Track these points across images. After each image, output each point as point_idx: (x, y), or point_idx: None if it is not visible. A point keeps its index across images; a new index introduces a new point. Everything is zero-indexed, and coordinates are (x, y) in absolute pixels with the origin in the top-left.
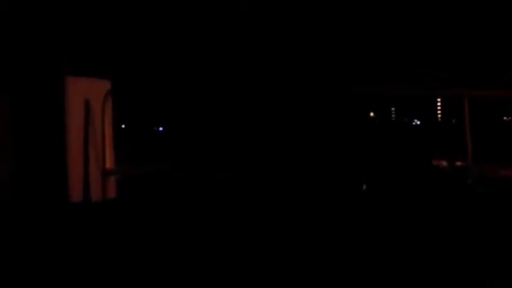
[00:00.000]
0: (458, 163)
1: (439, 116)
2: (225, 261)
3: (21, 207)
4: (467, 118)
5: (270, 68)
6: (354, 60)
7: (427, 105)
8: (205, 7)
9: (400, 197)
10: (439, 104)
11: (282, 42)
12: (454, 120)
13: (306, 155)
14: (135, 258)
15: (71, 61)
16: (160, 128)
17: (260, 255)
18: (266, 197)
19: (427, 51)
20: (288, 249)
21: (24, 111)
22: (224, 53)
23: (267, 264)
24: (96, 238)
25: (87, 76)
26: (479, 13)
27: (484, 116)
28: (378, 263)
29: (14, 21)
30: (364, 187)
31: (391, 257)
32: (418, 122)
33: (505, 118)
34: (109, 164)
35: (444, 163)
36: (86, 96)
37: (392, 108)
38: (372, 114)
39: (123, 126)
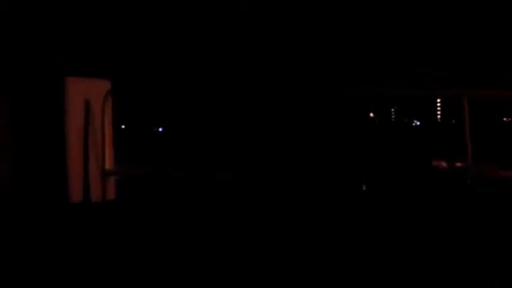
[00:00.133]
0: (458, 164)
1: (439, 116)
2: (224, 262)
3: (20, 207)
4: (467, 119)
5: (270, 68)
6: (353, 60)
7: (426, 106)
8: (205, 7)
9: (399, 197)
10: (438, 104)
11: (282, 42)
12: (453, 121)
13: (304, 156)
14: (134, 259)
15: (71, 61)
16: (160, 129)
17: (259, 257)
18: (267, 198)
19: (427, 51)
20: (288, 250)
21: (24, 111)
22: (224, 53)
23: (266, 265)
24: (96, 239)
25: (87, 76)
26: (479, 13)
27: (483, 117)
28: (378, 264)
29: (14, 21)
30: (364, 188)
31: (391, 258)
32: (418, 123)
33: (504, 119)
34: (109, 164)
35: (444, 164)
36: (86, 97)
37: (392, 109)
38: (371, 114)
39: (123, 126)
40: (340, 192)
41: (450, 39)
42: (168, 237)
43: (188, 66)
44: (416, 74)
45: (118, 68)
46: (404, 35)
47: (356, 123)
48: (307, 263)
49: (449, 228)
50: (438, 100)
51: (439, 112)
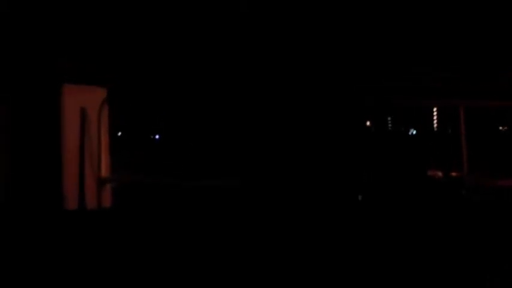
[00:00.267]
0: (454, 173)
1: (435, 125)
2: (219, 271)
3: (16, 214)
4: (463, 128)
5: (269, 71)
6: (354, 60)
7: (423, 115)
8: (204, 11)
9: (395, 207)
10: (435, 113)
11: (281, 43)
12: (450, 130)
13: (300, 164)
14: (130, 266)
15: (68, 69)
16: (157, 136)
17: (259, 265)
18: (268, 204)
19: (427, 51)
20: (291, 259)
21: (21, 118)
22: (224, 56)
23: (265, 271)
24: (91, 246)
25: (83, 84)
26: (479, 13)
27: (480, 126)
28: (376, 272)
29: (11, 30)
30: (360, 197)
31: (388, 266)
32: (414, 132)
33: (500, 128)
34: (105, 171)
35: (439, 173)
36: (82, 104)
37: (389, 118)
38: (367, 123)
39: (119, 134)
40: (336, 202)
41: (450, 39)
42: (164, 245)
43: (187, 69)
44: (417, 74)
45: (114, 76)
46: (405, 35)
47: (353, 132)
48: (305, 273)
49: (445, 237)
50: (434, 109)
51: (435, 121)
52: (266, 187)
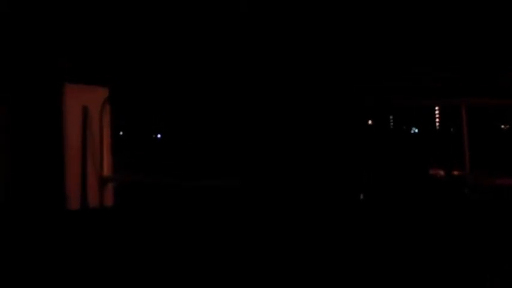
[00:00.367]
0: (456, 172)
1: (437, 124)
2: (219, 270)
3: (18, 213)
4: (465, 127)
5: (269, 71)
6: (354, 60)
7: (425, 113)
8: (204, 11)
9: (397, 206)
10: (437, 112)
11: (281, 43)
12: (452, 129)
13: (300, 164)
14: (132, 265)
15: (69, 69)
16: (159, 135)
17: (256, 264)
18: (264, 204)
19: (427, 51)
20: (286, 258)
21: (23, 118)
22: (224, 58)
23: (262, 272)
24: (93, 245)
25: (85, 83)
26: (479, 13)
27: (482, 124)
28: (377, 271)
29: (11, 30)
30: (362, 196)
31: (390, 265)
32: (416, 130)
33: (502, 126)
34: (107, 171)
35: (441, 172)
36: (84, 104)
37: (391, 116)
38: (369, 122)
39: (121, 133)
40: (337, 201)
41: (450, 39)
42: (165, 244)
43: (187, 69)
44: (417, 74)
45: (116, 75)
46: (404, 35)
47: (353, 131)
48: (308, 269)
49: (447, 236)
50: (436, 108)
51: (437, 120)
52: (266, 187)
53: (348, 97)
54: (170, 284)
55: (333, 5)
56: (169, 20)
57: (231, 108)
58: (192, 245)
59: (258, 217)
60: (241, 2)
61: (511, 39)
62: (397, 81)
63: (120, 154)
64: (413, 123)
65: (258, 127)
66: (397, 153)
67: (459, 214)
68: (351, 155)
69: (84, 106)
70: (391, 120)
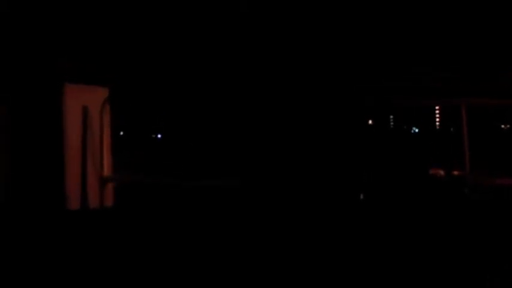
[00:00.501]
0: (456, 172)
1: (438, 124)
2: (219, 270)
3: (18, 213)
4: (465, 127)
5: (270, 71)
6: (354, 60)
7: (425, 113)
8: (204, 11)
9: (397, 206)
10: (437, 112)
11: (281, 44)
12: (452, 129)
13: (300, 164)
14: (132, 266)
15: (69, 69)
16: (159, 135)
17: (256, 264)
18: (264, 204)
19: (427, 51)
20: (286, 258)
21: (23, 118)
22: (224, 58)
23: (262, 272)
24: (94, 245)
25: (85, 83)
26: (479, 13)
27: (482, 124)
28: (377, 271)
29: (11, 30)
30: (362, 196)
31: (390, 265)
32: (417, 130)
33: (502, 126)
34: (107, 171)
35: (441, 172)
36: (84, 104)
37: (391, 116)
38: (370, 121)
39: (121, 133)
40: (337, 201)
41: (450, 39)
42: (166, 244)
43: (187, 70)
44: (417, 74)
45: (116, 75)
46: (404, 35)
47: (353, 131)
48: (308, 270)
49: (447, 236)
50: (436, 108)
51: (437, 120)
52: (266, 187)
53: (348, 97)
54: (170, 284)
55: (333, 5)
56: (169, 20)
57: (230, 108)
58: (192, 245)
59: (258, 217)
60: (241, 2)
61: (511, 39)
62: (397, 81)
63: (120, 154)
64: (413, 123)
65: (258, 127)
66: (397, 153)
67: (459, 214)
68: (351, 155)
69: (84, 106)
70: (391, 120)
